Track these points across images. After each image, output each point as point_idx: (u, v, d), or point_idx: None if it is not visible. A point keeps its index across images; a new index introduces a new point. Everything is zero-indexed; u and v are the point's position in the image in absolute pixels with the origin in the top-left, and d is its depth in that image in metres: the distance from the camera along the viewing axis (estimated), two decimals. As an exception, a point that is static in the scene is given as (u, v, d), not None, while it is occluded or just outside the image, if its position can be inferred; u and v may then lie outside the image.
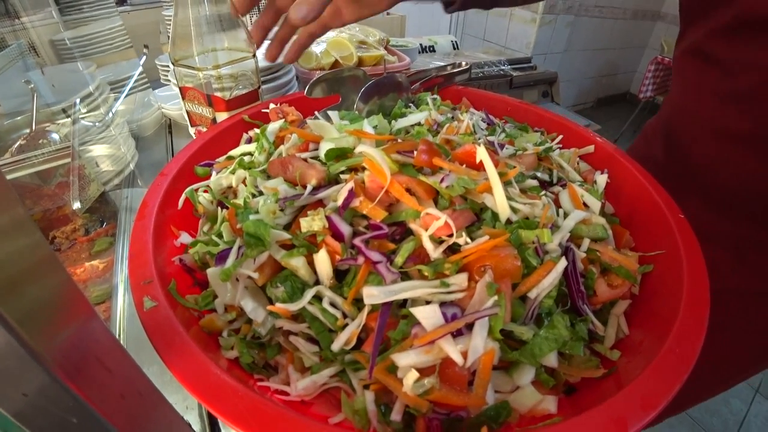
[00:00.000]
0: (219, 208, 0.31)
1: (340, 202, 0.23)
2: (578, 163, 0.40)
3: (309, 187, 0.25)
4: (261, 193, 0.29)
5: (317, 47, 0.71)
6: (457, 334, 0.20)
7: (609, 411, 0.18)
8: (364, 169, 0.25)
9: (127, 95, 0.85)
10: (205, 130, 0.48)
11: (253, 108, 0.44)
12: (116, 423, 0.14)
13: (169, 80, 0.89)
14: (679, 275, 0.27)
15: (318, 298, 0.23)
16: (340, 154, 0.27)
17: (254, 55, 0.47)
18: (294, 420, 0.17)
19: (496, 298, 0.20)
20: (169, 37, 1.01)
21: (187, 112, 0.49)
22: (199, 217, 0.33)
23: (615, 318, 0.27)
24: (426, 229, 0.22)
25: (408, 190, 0.23)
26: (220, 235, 0.27)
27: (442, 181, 0.23)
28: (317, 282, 0.24)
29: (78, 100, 0.75)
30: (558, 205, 0.30)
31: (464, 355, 0.19)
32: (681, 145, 0.50)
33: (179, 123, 0.78)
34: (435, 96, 0.42)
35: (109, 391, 0.14)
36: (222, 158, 0.36)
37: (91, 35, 0.91)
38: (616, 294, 0.26)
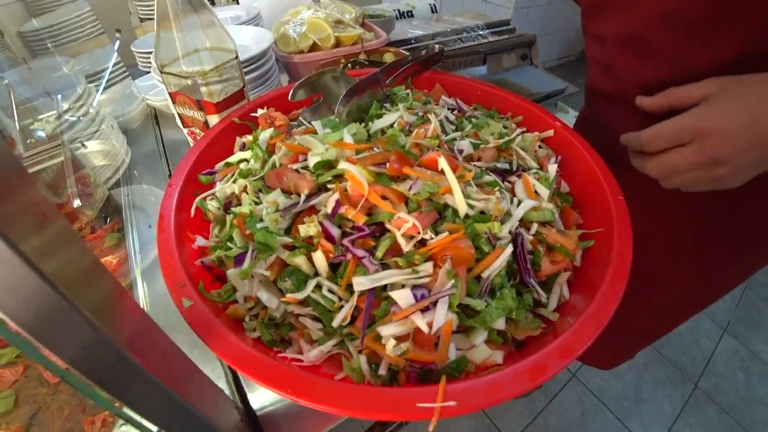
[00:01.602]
0: (225, 212, 0.37)
1: (329, 210, 0.30)
2: (539, 148, 0.46)
3: (303, 196, 0.32)
4: (261, 198, 0.35)
5: (294, 31, 0.73)
6: (425, 310, 0.27)
7: (535, 361, 0.26)
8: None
9: (106, 87, 0.86)
10: (197, 131, 0.52)
11: (241, 109, 0.49)
12: (165, 381, 0.21)
13: (148, 68, 0.91)
14: (610, 249, 0.34)
15: (318, 286, 0.30)
16: (326, 164, 0.33)
17: (237, 55, 0.51)
18: (309, 379, 0.25)
19: (453, 281, 0.27)
20: (140, 19, 1.01)
21: (179, 115, 0.53)
22: (208, 220, 0.39)
23: (558, 286, 0.34)
24: (399, 229, 0.29)
25: (383, 197, 0.30)
26: (230, 238, 0.34)
27: (410, 188, 0.29)
28: (316, 274, 0.30)
29: (60, 96, 0.77)
30: (513, 194, 0.36)
31: (430, 325, 0.26)
32: (594, 115, 0.57)
33: (165, 112, 0.81)
34: (407, 92, 0.47)
35: (155, 359, 0.21)
36: (221, 164, 0.42)
37: (60, 24, 0.90)
38: (557, 268, 0.33)
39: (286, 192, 0.33)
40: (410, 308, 0.27)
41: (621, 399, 1.35)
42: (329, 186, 0.32)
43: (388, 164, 0.31)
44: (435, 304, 0.27)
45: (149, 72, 0.92)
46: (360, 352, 0.28)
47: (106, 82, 0.88)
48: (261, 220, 0.31)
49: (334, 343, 0.29)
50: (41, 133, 0.71)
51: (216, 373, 0.43)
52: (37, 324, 0.15)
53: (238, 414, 0.34)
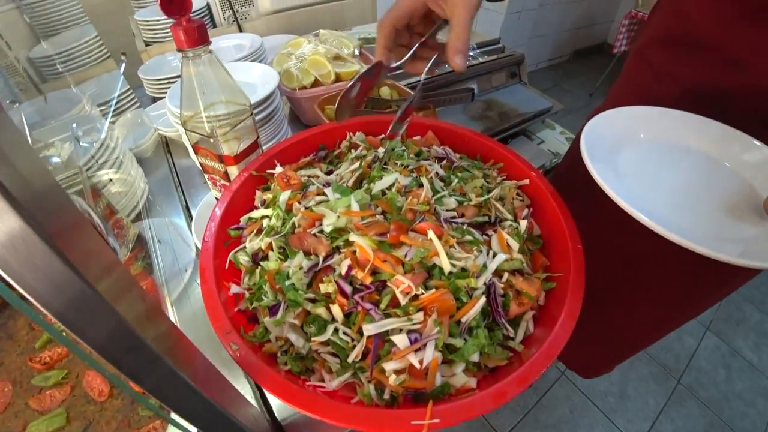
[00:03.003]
0: (254, 263, 0.47)
1: (343, 272, 0.40)
2: (516, 194, 0.56)
3: (321, 257, 0.42)
4: (285, 254, 0.45)
5: (296, 67, 0.82)
6: (418, 350, 0.38)
7: (498, 388, 0.36)
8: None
9: (116, 113, 0.95)
10: (217, 177, 0.62)
11: (257, 161, 0.58)
12: (207, 393, 0.31)
13: (155, 93, 0.99)
14: (566, 292, 0.44)
15: (336, 330, 0.40)
16: (338, 229, 0.43)
17: (252, 112, 0.60)
18: (333, 404, 0.35)
19: (439, 327, 0.38)
20: (144, 42, 1.09)
21: (201, 164, 0.62)
22: (237, 268, 0.49)
23: (524, 322, 0.45)
24: (397, 287, 0.39)
25: (384, 260, 0.40)
26: (260, 288, 0.44)
27: (406, 254, 0.40)
28: (333, 319, 0.41)
29: (74, 125, 0.84)
30: (489, 246, 0.47)
31: (421, 362, 0.37)
32: None
33: (176, 141, 0.90)
34: (403, 148, 0.56)
35: (202, 377, 0.31)
36: (245, 218, 0.52)
37: (69, 50, 0.98)
38: (523, 309, 0.44)
39: (306, 252, 0.43)
40: (406, 349, 0.37)
41: (607, 395, 1.48)
42: (341, 249, 0.42)
43: (388, 234, 0.41)
44: (425, 345, 0.38)
45: (156, 97, 1.01)
46: (369, 381, 0.38)
47: (115, 108, 0.96)
48: (288, 277, 0.41)
49: (349, 375, 0.39)
50: (57, 159, 0.78)
51: (245, 389, 0.53)
52: (122, 357, 0.22)
53: (267, 422, 0.45)
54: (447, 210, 0.47)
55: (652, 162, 0.52)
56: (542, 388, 1.48)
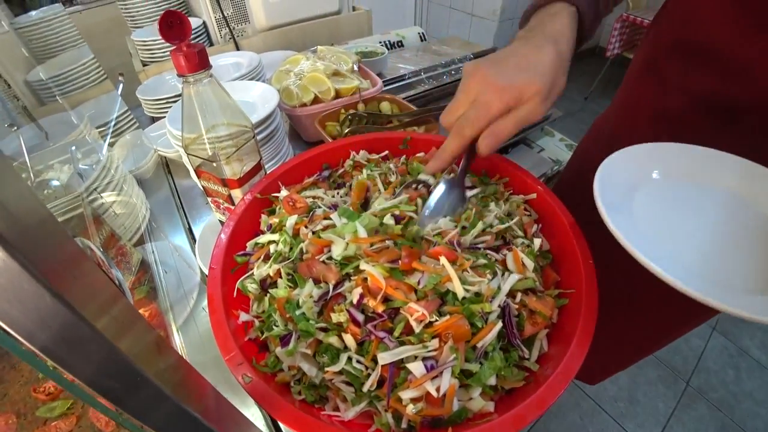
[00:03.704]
0: (262, 290, 0.47)
1: (354, 301, 0.39)
2: (523, 210, 0.55)
3: (331, 285, 0.41)
4: (294, 281, 0.44)
5: (296, 85, 0.82)
6: (434, 377, 0.37)
7: (517, 412, 0.36)
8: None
9: (115, 135, 0.94)
10: (221, 201, 0.61)
11: (260, 183, 0.58)
12: (214, 425, 0.30)
13: (153, 113, 0.99)
14: (579, 308, 0.44)
15: (349, 359, 0.39)
16: (347, 256, 0.42)
17: (254, 134, 0.60)
18: (349, 437, 0.35)
19: (455, 354, 0.37)
20: (142, 61, 1.09)
21: (204, 187, 0.62)
22: (245, 295, 0.48)
23: (539, 342, 0.44)
24: (411, 315, 0.38)
25: (396, 288, 0.39)
26: (270, 317, 0.43)
27: (419, 282, 0.39)
28: (346, 347, 0.40)
29: (74, 147, 0.83)
30: (504, 265, 0.46)
31: (438, 389, 0.36)
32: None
33: (176, 161, 0.89)
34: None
35: (204, 400, 0.30)
36: (251, 243, 0.51)
37: (66, 73, 0.98)
38: (537, 329, 0.43)
39: (315, 280, 0.43)
40: (423, 377, 0.36)
41: (617, 401, 1.47)
42: (352, 276, 0.42)
43: (400, 261, 0.40)
44: (441, 372, 0.37)
45: (155, 117, 1.00)
46: (386, 410, 0.38)
47: (114, 130, 0.95)
48: (298, 306, 0.41)
49: (365, 404, 0.38)
50: (56, 182, 0.78)
51: (254, 416, 0.53)
52: (127, 398, 0.21)
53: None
54: (473, 238, 0.47)
55: (673, 204, 0.47)
56: (551, 395, 1.47)
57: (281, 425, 0.51)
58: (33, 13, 1.05)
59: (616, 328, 0.77)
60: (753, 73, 0.46)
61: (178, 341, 0.62)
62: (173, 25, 0.51)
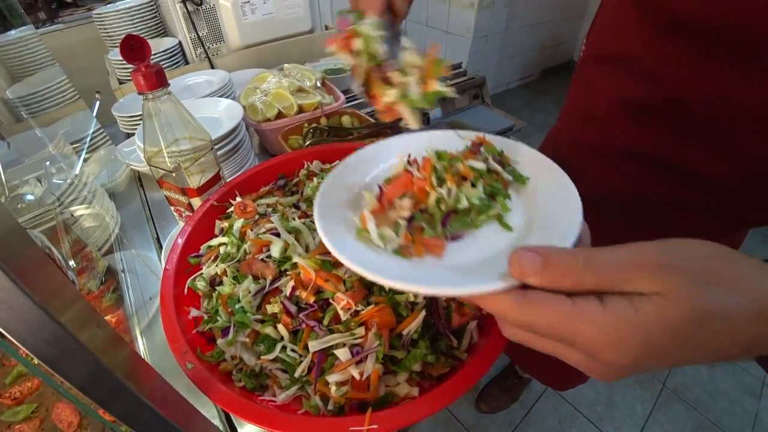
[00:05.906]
0: (211, 287, 0.51)
1: (288, 293, 0.44)
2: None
3: (268, 281, 0.45)
4: (237, 279, 0.49)
5: (261, 101, 0.87)
6: (359, 362, 0.41)
7: (434, 393, 0.40)
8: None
9: (90, 151, 0.99)
10: (182, 209, 0.66)
11: (218, 192, 0.62)
12: (173, 419, 0.34)
13: (129, 130, 1.03)
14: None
15: (283, 347, 0.43)
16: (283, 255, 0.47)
17: (212, 146, 0.65)
18: (281, 415, 0.38)
19: (379, 341, 0.41)
20: (118, 80, 1.14)
21: (166, 197, 0.66)
22: (197, 294, 0.52)
23: (468, 332, 0.48)
24: (338, 304, 0.43)
25: (326, 279, 0.44)
26: (216, 311, 0.47)
27: (346, 272, 0.44)
28: (281, 338, 0.44)
29: (48, 163, 0.87)
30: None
31: (362, 373, 0.40)
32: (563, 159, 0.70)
33: (148, 175, 0.93)
34: None
35: (166, 402, 0.34)
36: (205, 246, 0.56)
37: (43, 90, 1.03)
38: (465, 319, 0.47)
39: (255, 277, 0.47)
40: (347, 362, 0.41)
41: (594, 404, 1.50)
42: (288, 272, 0.46)
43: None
44: (366, 357, 0.41)
45: (130, 133, 1.05)
46: (315, 393, 0.42)
47: (89, 145, 1.00)
48: (239, 301, 0.45)
49: (297, 389, 0.42)
50: (30, 197, 0.81)
51: (211, 413, 0.56)
52: (89, 387, 0.26)
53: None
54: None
55: None
56: (529, 401, 1.50)
57: (234, 420, 0.54)
58: (12, 32, 1.10)
59: None
60: (657, 77, 0.51)
61: (141, 346, 0.66)
62: (134, 48, 0.57)
